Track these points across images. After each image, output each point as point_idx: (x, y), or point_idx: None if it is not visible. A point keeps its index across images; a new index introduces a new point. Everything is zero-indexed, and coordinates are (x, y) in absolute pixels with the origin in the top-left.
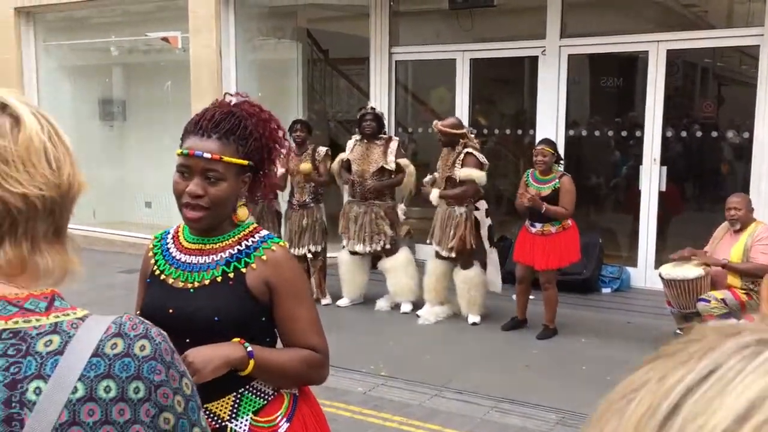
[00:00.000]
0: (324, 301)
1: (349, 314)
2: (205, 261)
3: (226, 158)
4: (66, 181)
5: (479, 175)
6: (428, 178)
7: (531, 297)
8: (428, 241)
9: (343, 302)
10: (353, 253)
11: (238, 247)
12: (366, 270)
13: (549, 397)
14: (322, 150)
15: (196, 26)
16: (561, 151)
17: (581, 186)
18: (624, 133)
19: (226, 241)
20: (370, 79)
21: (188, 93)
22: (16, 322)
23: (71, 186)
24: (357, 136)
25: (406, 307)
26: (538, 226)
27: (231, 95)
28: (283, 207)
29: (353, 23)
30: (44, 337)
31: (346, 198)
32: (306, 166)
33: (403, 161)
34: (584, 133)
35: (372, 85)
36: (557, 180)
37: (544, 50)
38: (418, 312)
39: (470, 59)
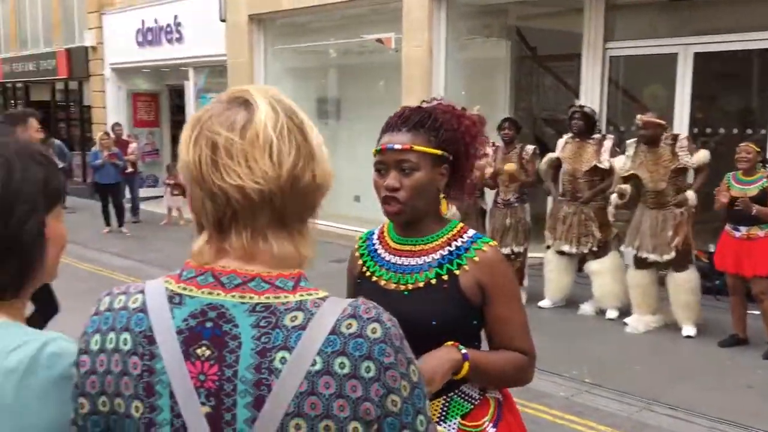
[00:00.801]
0: None
1: (550, 316)
2: (416, 263)
3: (416, 147)
4: (286, 175)
5: (707, 155)
6: (613, 198)
7: (755, 312)
8: (628, 248)
9: (544, 303)
10: (560, 253)
11: (449, 248)
12: (572, 271)
13: None
14: (530, 149)
15: (410, 27)
16: None
17: None
18: None
19: (435, 242)
20: (581, 75)
21: (399, 92)
22: (268, 298)
23: (295, 179)
24: (567, 135)
25: (611, 314)
26: (743, 230)
27: (426, 102)
28: (489, 205)
29: (565, 19)
30: (291, 312)
31: (553, 197)
32: (511, 165)
33: (614, 159)
34: None
35: (583, 82)
36: (765, 179)
37: None
38: (626, 320)
39: (694, 53)
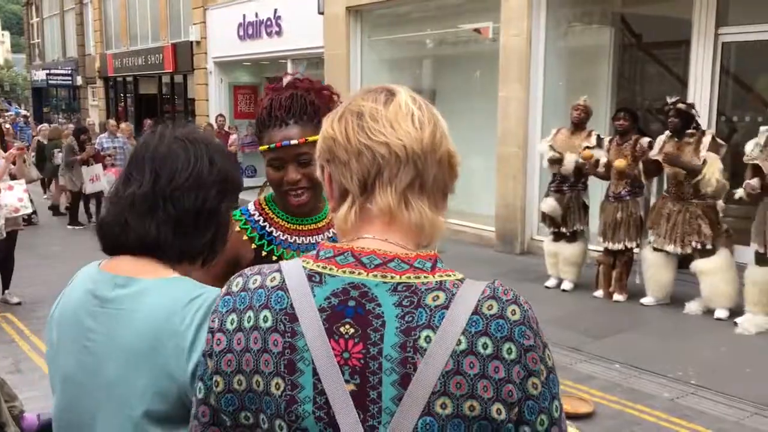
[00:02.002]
0: (617, 298)
1: (653, 314)
2: (316, 240)
3: (310, 138)
4: (428, 138)
5: None
6: (740, 192)
7: None
8: (753, 244)
9: (647, 301)
10: (658, 250)
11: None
12: (672, 269)
13: None
14: (645, 141)
15: (508, 16)
16: None
17: None
18: None
19: (325, 219)
20: (690, 64)
21: (495, 82)
22: (409, 278)
23: (435, 145)
24: (666, 134)
25: (721, 313)
26: None
27: (282, 77)
28: (595, 199)
29: (673, 4)
30: (432, 292)
31: (654, 191)
32: (621, 162)
33: (710, 155)
34: None
35: (692, 70)
36: None
37: None
38: (737, 320)
39: None
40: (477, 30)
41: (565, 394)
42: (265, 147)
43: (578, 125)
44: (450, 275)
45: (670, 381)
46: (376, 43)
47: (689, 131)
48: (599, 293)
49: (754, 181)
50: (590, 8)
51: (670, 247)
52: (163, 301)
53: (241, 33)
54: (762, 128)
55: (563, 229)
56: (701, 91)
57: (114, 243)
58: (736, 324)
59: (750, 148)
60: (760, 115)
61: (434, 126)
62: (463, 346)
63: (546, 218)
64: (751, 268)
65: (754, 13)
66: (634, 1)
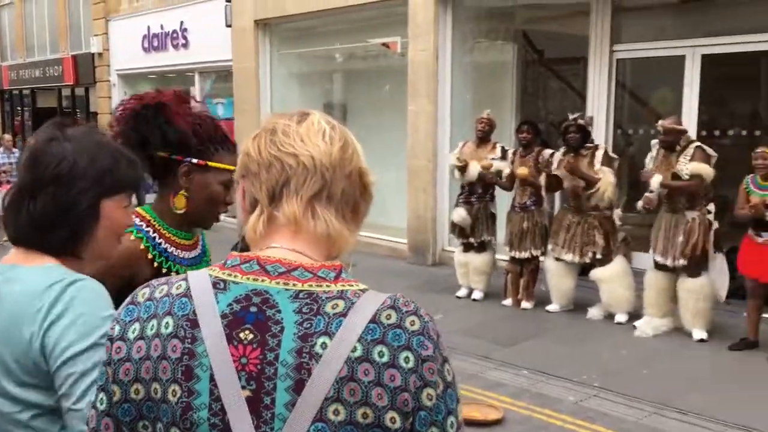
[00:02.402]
0: (525, 305)
1: (558, 320)
2: (196, 253)
3: None
4: (337, 152)
5: (708, 173)
6: (639, 204)
7: (766, 315)
8: (649, 252)
9: (552, 308)
10: (559, 259)
11: (200, 240)
12: (573, 277)
13: None
14: (547, 153)
15: (415, 31)
16: None
17: None
18: None
19: (196, 235)
20: (588, 79)
21: (404, 96)
22: (311, 286)
23: (344, 160)
24: (562, 150)
25: (621, 318)
26: (766, 235)
27: (195, 102)
28: (503, 209)
29: (572, 22)
30: (332, 300)
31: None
32: (523, 169)
33: (604, 169)
34: None
35: (590, 85)
36: None
37: None
38: (635, 323)
39: (701, 55)
40: (385, 44)
41: (475, 401)
42: (233, 168)
43: (483, 138)
44: (352, 285)
45: (574, 385)
46: (286, 56)
47: (586, 145)
48: (508, 301)
49: (653, 195)
50: (495, 25)
51: (568, 257)
52: (28, 286)
53: (146, 45)
54: (653, 141)
55: (472, 240)
56: (599, 105)
57: (9, 237)
58: (635, 327)
59: (648, 160)
60: (654, 128)
61: (345, 143)
62: (358, 353)
63: (455, 229)
64: (650, 273)
65: (644, 32)
66: (536, 18)
